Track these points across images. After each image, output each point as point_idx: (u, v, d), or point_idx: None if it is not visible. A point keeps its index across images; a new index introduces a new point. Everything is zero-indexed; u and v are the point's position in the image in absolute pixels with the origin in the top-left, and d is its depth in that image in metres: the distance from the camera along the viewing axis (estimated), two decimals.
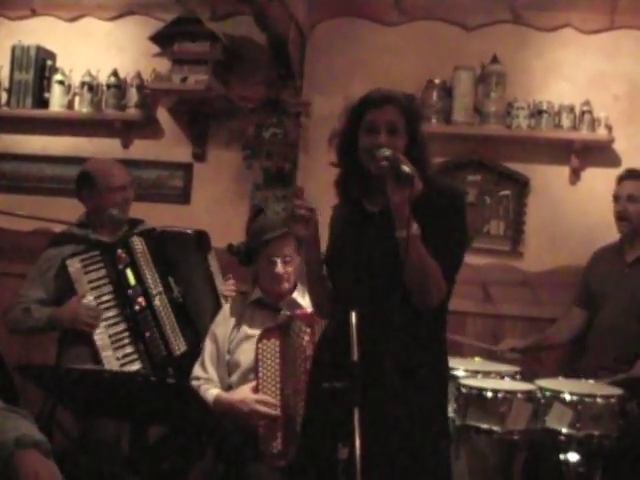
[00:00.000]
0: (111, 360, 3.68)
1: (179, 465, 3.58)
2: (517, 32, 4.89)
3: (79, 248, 3.85)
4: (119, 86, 5.25)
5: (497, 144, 4.84)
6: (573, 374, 3.99)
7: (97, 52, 5.42)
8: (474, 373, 3.88)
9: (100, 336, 3.72)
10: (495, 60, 4.78)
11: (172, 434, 3.61)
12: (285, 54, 4.85)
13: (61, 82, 5.30)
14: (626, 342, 4.03)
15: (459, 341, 4.39)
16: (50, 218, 4.30)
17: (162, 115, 5.32)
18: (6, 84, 5.42)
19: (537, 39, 4.86)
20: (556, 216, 4.79)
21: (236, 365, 3.46)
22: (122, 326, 3.77)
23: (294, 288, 3.59)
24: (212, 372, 3.49)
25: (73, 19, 5.50)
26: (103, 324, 3.75)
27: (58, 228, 4.17)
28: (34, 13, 5.56)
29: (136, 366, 3.70)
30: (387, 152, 2.58)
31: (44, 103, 5.37)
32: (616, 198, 4.24)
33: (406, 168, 2.49)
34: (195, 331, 3.79)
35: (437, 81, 4.81)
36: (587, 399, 3.50)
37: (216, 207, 5.14)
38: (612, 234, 4.32)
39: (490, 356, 4.36)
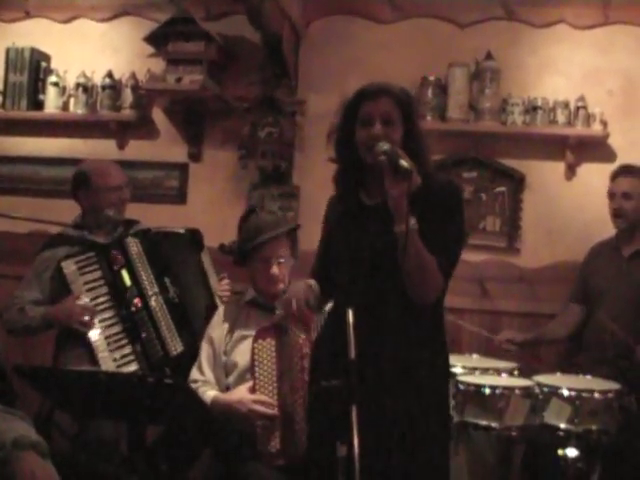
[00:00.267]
0: (108, 361, 3.67)
1: (177, 465, 3.58)
2: (511, 28, 4.89)
3: (74, 250, 3.85)
4: (114, 87, 5.25)
5: (492, 141, 4.84)
6: (571, 370, 3.99)
7: (91, 53, 5.41)
8: (472, 370, 3.89)
9: (96, 337, 3.71)
10: (489, 57, 4.79)
11: (170, 434, 3.61)
12: (279, 53, 4.86)
13: (56, 84, 5.30)
14: (624, 336, 4.02)
15: (458, 327, 4.39)
16: (46, 220, 4.29)
17: (157, 115, 5.32)
18: (0, 86, 5.42)
19: (531, 35, 4.86)
20: (552, 212, 4.79)
21: (233, 366, 3.45)
22: (118, 327, 3.76)
23: (287, 287, 3.59)
24: (209, 374, 3.48)
25: (67, 20, 5.50)
26: (99, 325, 3.74)
27: (54, 230, 4.16)
28: (28, 15, 5.56)
29: (133, 367, 3.69)
30: (385, 146, 2.57)
31: (39, 105, 5.37)
32: (611, 195, 4.25)
33: (405, 163, 2.49)
34: (191, 331, 3.78)
35: (432, 78, 4.81)
36: (585, 394, 3.51)
37: (212, 207, 5.15)
38: (608, 229, 4.32)
39: (486, 348, 4.37)
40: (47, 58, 5.45)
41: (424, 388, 2.72)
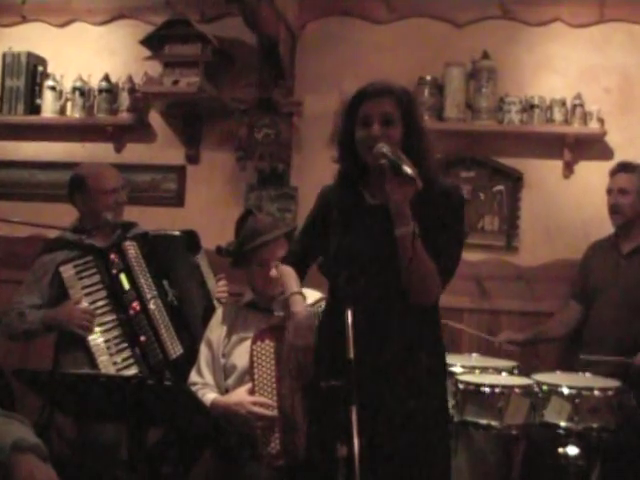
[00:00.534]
0: (107, 365, 3.67)
1: (178, 467, 3.58)
2: (507, 27, 4.89)
3: (72, 254, 3.85)
4: (111, 90, 5.25)
5: (489, 140, 4.84)
6: (570, 368, 3.99)
7: (88, 57, 5.41)
8: (471, 369, 3.89)
9: (96, 341, 3.71)
10: (486, 56, 4.78)
11: (170, 436, 3.61)
12: (276, 54, 4.85)
13: (53, 88, 5.30)
14: (623, 334, 4.02)
15: (459, 328, 4.40)
16: (44, 224, 4.29)
17: (154, 118, 5.32)
18: None
19: (527, 34, 4.87)
20: (550, 210, 4.79)
21: (232, 368, 3.45)
22: (117, 331, 3.76)
23: None
24: (208, 377, 3.48)
25: (63, 24, 5.50)
26: (98, 329, 3.74)
27: (53, 234, 4.17)
28: (24, 19, 5.55)
29: (132, 370, 3.69)
30: (384, 148, 2.57)
31: (36, 109, 5.37)
32: (609, 191, 4.26)
33: (408, 169, 2.48)
34: (190, 334, 3.78)
35: (428, 78, 4.81)
36: (585, 392, 3.51)
37: (210, 209, 5.15)
38: (607, 227, 4.33)
39: (488, 347, 4.37)
40: (44, 62, 5.45)
41: (423, 388, 2.73)
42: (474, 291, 4.80)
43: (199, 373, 3.50)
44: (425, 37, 4.97)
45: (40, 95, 5.36)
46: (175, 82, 4.93)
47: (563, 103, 4.69)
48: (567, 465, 3.54)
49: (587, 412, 3.47)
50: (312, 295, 3.53)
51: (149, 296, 3.80)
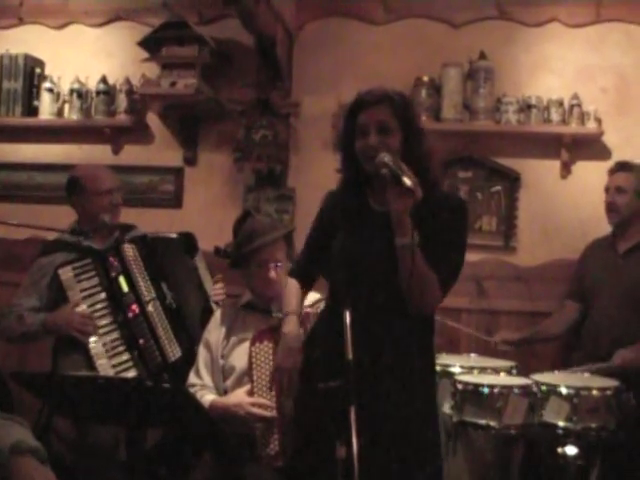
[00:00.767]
0: (106, 368, 3.66)
1: (176, 470, 3.57)
2: (504, 28, 4.90)
3: (71, 256, 3.85)
4: (108, 92, 5.25)
5: (487, 140, 4.85)
6: (568, 367, 3.99)
7: (85, 59, 5.41)
8: (470, 369, 3.89)
9: (94, 344, 3.71)
10: (483, 56, 4.79)
11: (169, 438, 3.61)
12: (273, 56, 4.85)
13: (50, 90, 5.30)
14: (620, 333, 4.02)
15: (455, 327, 4.40)
16: (43, 226, 4.29)
17: (152, 120, 5.32)
18: None
19: (524, 34, 4.87)
20: (548, 210, 4.80)
21: (231, 370, 3.45)
22: (116, 334, 3.76)
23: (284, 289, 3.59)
24: (207, 379, 3.48)
25: (60, 26, 5.50)
26: (97, 332, 3.74)
27: (51, 236, 4.16)
28: (21, 21, 5.56)
29: (131, 373, 3.68)
30: (386, 157, 2.57)
31: (34, 111, 5.37)
32: (606, 189, 4.27)
33: (407, 181, 2.48)
34: (189, 336, 3.77)
35: (425, 79, 4.81)
36: (583, 392, 3.51)
37: (208, 210, 5.15)
38: (604, 227, 4.33)
39: (484, 347, 4.38)
40: (41, 64, 5.45)
41: (415, 391, 2.73)
42: (472, 291, 4.80)
43: (198, 375, 3.50)
44: (422, 38, 4.98)
45: (38, 97, 5.36)
46: (172, 84, 4.93)
47: (560, 103, 4.69)
48: (566, 465, 3.54)
49: (586, 412, 3.47)
50: (311, 296, 3.54)
51: (148, 299, 3.80)
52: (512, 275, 4.81)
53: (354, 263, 2.76)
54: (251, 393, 3.26)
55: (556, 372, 3.91)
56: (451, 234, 2.71)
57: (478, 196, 4.87)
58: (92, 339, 3.71)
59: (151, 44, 5.00)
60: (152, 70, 5.10)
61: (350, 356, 2.46)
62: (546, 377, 3.75)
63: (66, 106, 5.33)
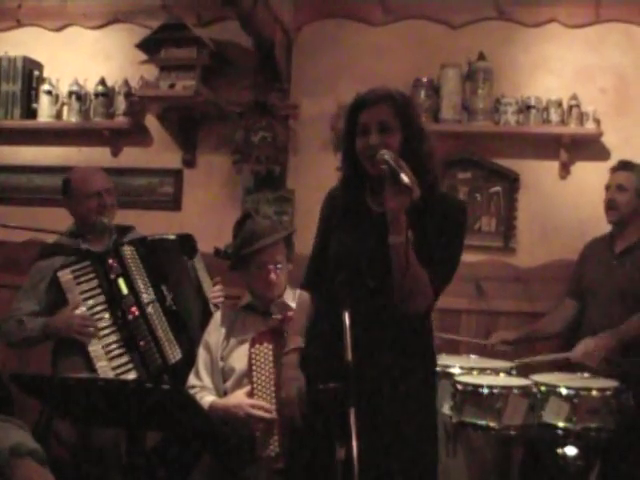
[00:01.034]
0: (106, 370, 3.66)
1: (176, 471, 3.57)
2: (503, 28, 4.90)
3: (70, 259, 3.84)
4: (107, 94, 5.26)
5: (486, 141, 4.85)
6: (566, 367, 3.99)
7: (84, 61, 5.42)
8: (470, 370, 3.89)
9: (94, 347, 3.70)
10: (482, 57, 4.79)
11: (169, 440, 3.61)
12: (272, 57, 4.86)
13: (49, 92, 5.31)
14: None
15: (451, 339, 4.41)
16: (42, 228, 4.29)
17: (151, 122, 5.32)
18: None
19: (523, 35, 4.87)
20: (547, 211, 4.80)
21: (231, 371, 3.45)
22: (116, 336, 3.75)
23: (284, 291, 3.59)
24: (207, 380, 3.48)
25: (59, 29, 5.51)
26: (97, 335, 3.73)
27: (50, 238, 4.16)
28: (20, 24, 5.56)
29: (131, 375, 3.67)
30: (387, 155, 2.57)
31: (32, 114, 5.38)
32: (607, 187, 4.27)
33: (405, 178, 2.48)
34: (189, 338, 3.77)
35: (424, 79, 4.81)
36: (583, 392, 3.51)
37: (207, 212, 5.15)
38: (604, 226, 4.32)
39: (483, 350, 4.38)
40: (39, 67, 5.46)
41: (412, 393, 2.73)
42: (472, 292, 4.80)
43: (197, 376, 3.50)
44: (421, 39, 4.98)
45: (36, 99, 5.37)
46: (171, 86, 4.93)
47: (559, 104, 4.69)
48: (566, 465, 3.54)
49: (585, 412, 3.48)
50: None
51: (147, 300, 3.80)
52: (511, 276, 4.81)
53: (351, 263, 2.76)
54: (251, 394, 3.26)
55: (556, 373, 3.91)
56: (448, 236, 2.71)
57: (477, 197, 4.87)
58: (92, 342, 3.70)
59: (150, 46, 5.00)
60: (151, 72, 5.10)
61: (350, 357, 2.46)
62: (546, 378, 3.75)
63: (65, 108, 5.33)
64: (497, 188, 4.86)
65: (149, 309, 3.78)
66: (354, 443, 2.35)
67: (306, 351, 2.94)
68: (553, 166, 4.79)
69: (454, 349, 4.46)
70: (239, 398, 3.29)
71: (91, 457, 3.65)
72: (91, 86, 5.29)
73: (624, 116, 4.72)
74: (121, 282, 3.80)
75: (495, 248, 4.85)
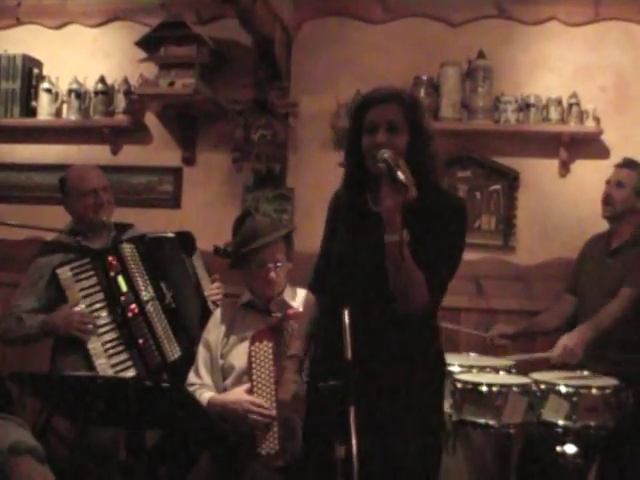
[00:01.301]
0: (105, 368, 3.66)
1: (176, 469, 3.57)
2: (503, 27, 4.90)
3: (69, 256, 3.84)
4: (106, 92, 5.25)
5: (486, 139, 4.85)
6: (565, 365, 3.98)
7: (83, 59, 5.41)
8: (469, 368, 3.88)
9: (93, 344, 3.70)
10: (481, 55, 4.79)
11: (168, 438, 3.61)
12: (271, 55, 4.85)
13: (48, 90, 5.30)
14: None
15: (451, 328, 4.40)
16: (41, 226, 4.29)
17: (150, 120, 5.31)
18: None
19: (523, 33, 4.87)
20: (547, 209, 4.80)
21: (230, 369, 3.45)
22: (115, 333, 3.75)
23: (283, 289, 3.59)
24: (206, 378, 3.48)
25: (58, 27, 5.50)
26: (96, 332, 3.73)
27: (50, 236, 4.16)
28: (19, 22, 5.55)
29: (130, 373, 3.67)
30: (386, 154, 2.56)
31: (32, 112, 5.37)
32: (607, 182, 4.26)
33: (401, 175, 2.47)
34: (188, 336, 3.77)
35: (424, 78, 4.80)
36: (582, 391, 3.51)
37: (207, 210, 5.15)
38: (603, 225, 4.32)
39: (483, 346, 4.38)
40: (39, 65, 5.45)
41: (414, 394, 2.71)
42: (471, 290, 4.80)
43: (197, 374, 3.51)
44: (421, 37, 4.98)
45: (36, 97, 5.36)
46: (171, 84, 4.93)
47: (559, 102, 4.69)
48: (565, 464, 3.54)
49: (585, 411, 3.47)
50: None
51: (147, 298, 3.80)
52: (511, 274, 4.81)
53: (350, 262, 2.76)
54: (250, 392, 3.27)
55: (555, 371, 3.91)
56: (446, 234, 2.69)
57: (477, 195, 4.87)
58: (91, 339, 3.70)
59: (149, 44, 5.00)
60: (150, 70, 5.09)
61: (349, 355, 2.46)
62: (545, 376, 3.75)
63: (64, 106, 5.33)
64: (497, 186, 4.86)
65: (148, 307, 3.78)
66: (354, 442, 2.35)
67: (311, 352, 2.93)
68: (553, 164, 4.79)
69: (454, 347, 4.46)
70: (238, 395, 3.30)
71: (90, 455, 3.65)
72: (91, 84, 5.28)
73: (624, 114, 4.73)
74: (120, 280, 3.81)
75: (495, 246, 4.85)
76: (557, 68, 4.81)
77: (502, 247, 4.85)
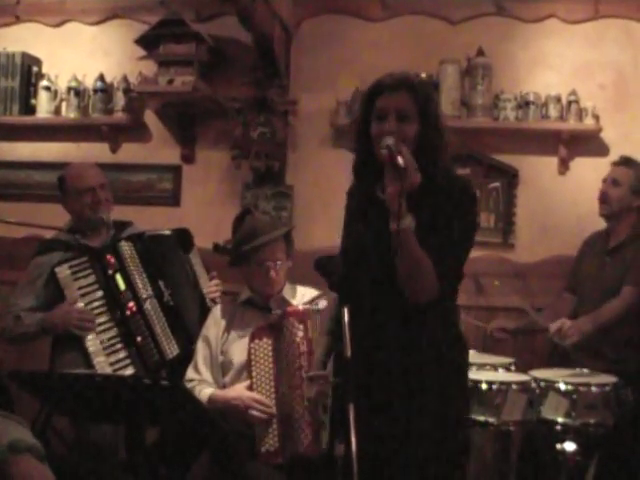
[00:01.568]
0: (104, 366, 3.65)
1: (176, 467, 3.57)
2: (502, 24, 4.90)
3: (68, 255, 3.84)
4: (105, 90, 5.24)
5: (485, 137, 4.84)
6: (566, 363, 3.99)
7: (83, 57, 5.40)
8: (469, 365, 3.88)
9: (92, 342, 3.69)
10: (481, 53, 4.79)
11: (168, 436, 3.61)
12: (271, 53, 4.85)
13: (47, 88, 5.29)
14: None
15: None
16: (40, 224, 4.28)
17: (149, 118, 5.31)
18: None
19: (522, 30, 4.87)
20: (546, 207, 4.80)
21: (229, 365, 3.46)
22: (114, 331, 3.74)
23: (283, 287, 3.59)
24: (206, 373, 3.48)
25: (58, 25, 5.49)
26: (94, 330, 3.73)
27: (49, 234, 4.16)
28: (18, 20, 5.54)
29: (129, 371, 3.67)
30: (389, 141, 2.52)
31: (31, 110, 5.36)
32: (604, 180, 4.26)
33: (400, 160, 2.45)
34: (187, 334, 3.77)
35: (423, 75, 4.78)
36: (582, 388, 3.51)
37: (206, 208, 5.15)
38: (602, 223, 4.32)
39: (483, 343, 4.38)
40: (38, 62, 5.44)
41: (427, 386, 2.65)
42: (470, 288, 4.79)
43: (196, 370, 3.51)
44: (420, 34, 4.97)
45: (35, 95, 5.36)
46: (170, 81, 4.92)
47: (558, 99, 4.69)
48: (564, 461, 3.55)
49: (584, 408, 3.48)
50: (309, 293, 3.55)
51: (145, 296, 3.79)
52: (510, 272, 4.81)
53: (359, 252, 2.73)
54: (250, 389, 3.27)
55: (555, 368, 3.91)
56: (456, 217, 2.63)
57: (476, 193, 4.85)
58: (89, 337, 3.70)
59: (148, 42, 4.99)
60: (149, 68, 5.09)
61: (348, 353, 2.46)
62: (544, 373, 3.75)
63: (63, 104, 5.32)
64: (496, 184, 4.86)
65: (147, 305, 3.78)
66: (353, 439, 2.35)
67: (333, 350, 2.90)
68: (552, 162, 4.79)
69: None
70: (239, 391, 3.30)
71: (90, 453, 3.65)
72: (90, 82, 5.28)
73: (623, 112, 4.73)
74: (119, 278, 3.80)
75: (494, 244, 4.85)
76: (556, 66, 4.81)
77: (501, 245, 4.86)
